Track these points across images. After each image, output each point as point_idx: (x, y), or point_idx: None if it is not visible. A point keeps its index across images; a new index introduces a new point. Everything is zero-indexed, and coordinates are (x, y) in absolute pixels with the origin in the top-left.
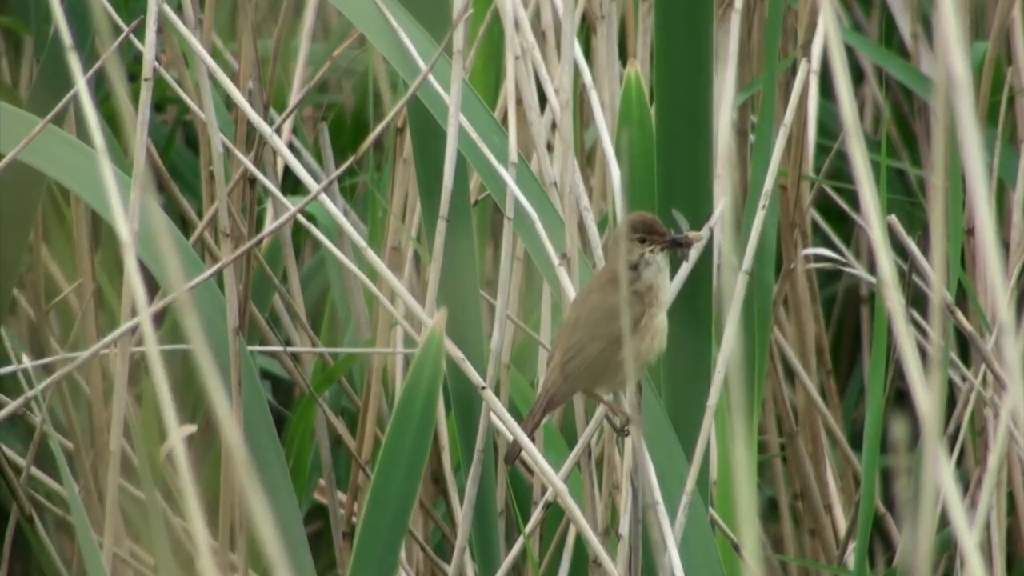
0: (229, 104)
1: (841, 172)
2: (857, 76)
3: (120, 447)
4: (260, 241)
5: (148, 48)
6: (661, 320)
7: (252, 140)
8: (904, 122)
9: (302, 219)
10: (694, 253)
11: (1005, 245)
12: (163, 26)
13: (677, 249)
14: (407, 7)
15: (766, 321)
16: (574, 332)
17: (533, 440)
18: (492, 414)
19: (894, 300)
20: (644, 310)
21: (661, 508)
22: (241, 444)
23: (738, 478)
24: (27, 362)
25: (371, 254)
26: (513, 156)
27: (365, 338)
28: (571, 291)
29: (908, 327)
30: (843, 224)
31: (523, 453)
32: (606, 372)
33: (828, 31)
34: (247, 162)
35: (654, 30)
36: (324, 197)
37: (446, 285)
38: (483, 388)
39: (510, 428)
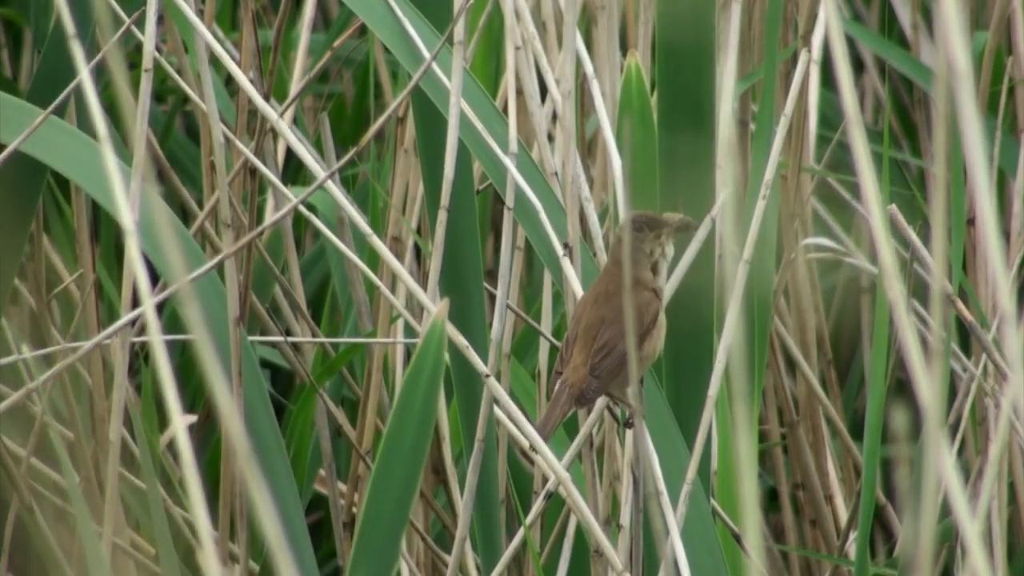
0: (231, 92)
1: (842, 162)
2: (857, 66)
3: (120, 437)
4: (262, 232)
5: (148, 38)
6: (663, 317)
7: (253, 129)
8: (904, 112)
9: (303, 210)
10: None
11: (1006, 235)
12: (163, 15)
13: (684, 232)
14: None
15: (767, 311)
16: (603, 332)
17: (547, 441)
18: (495, 404)
19: (896, 290)
20: (659, 307)
21: (665, 498)
22: (242, 434)
23: (741, 468)
24: (27, 352)
25: (376, 241)
26: (514, 146)
27: (366, 328)
28: (574, 281)
29: (909, 317)
30: (844, 213)
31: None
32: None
33: (829, 21)
34: (248, 152)
35: (655, 20)
36: (330, 185)
37: (448, 275)
38: (487, 376)
39: (512, 417)
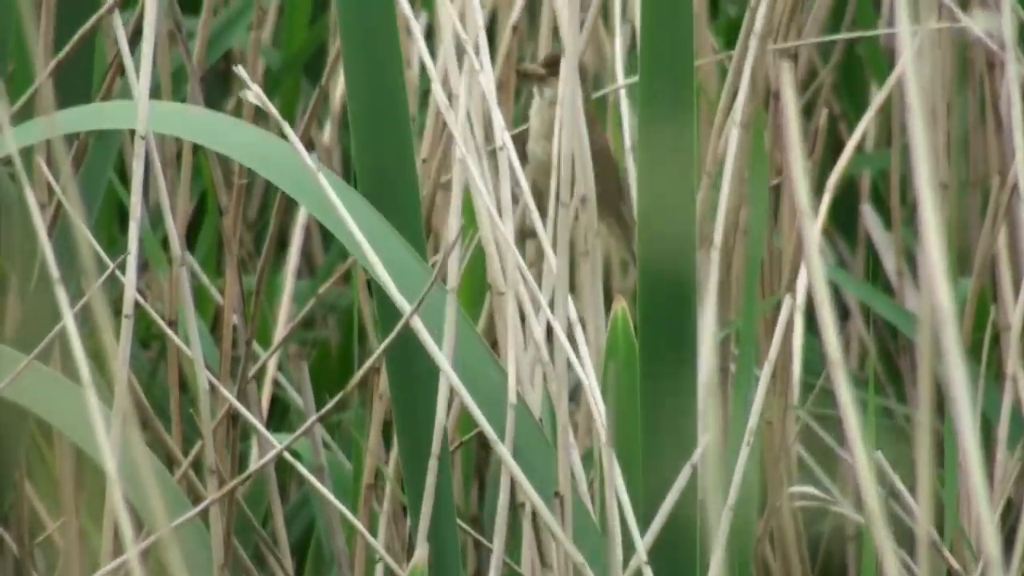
0: (215, 338)
1: (828, 408)
2: (843, 313)
3: None
4: (246, 479)
5: (129, 284)
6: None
7: (236, 374)
8: (889, 359)
9: (288, 456)
10: None
11: (989, 479)
12: (148, 262)
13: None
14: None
15: (748, 559)
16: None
17: None
18: None
19: (883, 536)
20: None
21: None
22: None
23: None
24: None
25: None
26: (512, 397)
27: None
28: (560, 533)
29: (896, 564)
30: (829, 460)
31: None
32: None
33: (812, 268)
34: (232, 399)
35: (637, 267)
36: (313, 431)
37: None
38: None
39: None
